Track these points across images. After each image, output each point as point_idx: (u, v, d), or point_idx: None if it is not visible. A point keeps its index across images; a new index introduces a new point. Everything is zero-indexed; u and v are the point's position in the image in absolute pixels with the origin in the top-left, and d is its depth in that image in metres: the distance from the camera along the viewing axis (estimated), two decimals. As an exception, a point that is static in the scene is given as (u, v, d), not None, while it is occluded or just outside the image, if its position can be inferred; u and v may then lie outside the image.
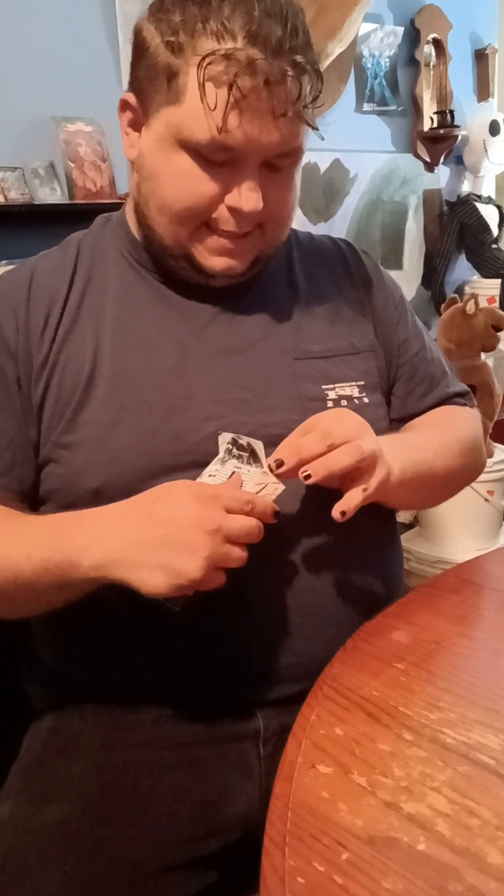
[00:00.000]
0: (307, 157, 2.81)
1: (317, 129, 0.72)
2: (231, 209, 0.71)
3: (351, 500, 0.67)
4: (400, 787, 0.53)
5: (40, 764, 0.74)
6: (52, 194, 2.03)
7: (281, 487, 0.68)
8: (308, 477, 0.66)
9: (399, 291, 0.93)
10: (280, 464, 0.67)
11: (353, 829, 0.50)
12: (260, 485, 0.68)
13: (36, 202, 1.98)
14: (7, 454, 0.75)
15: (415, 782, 0.53)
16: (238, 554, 0.63)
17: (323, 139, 0.76)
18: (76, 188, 2.08)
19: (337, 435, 0.67)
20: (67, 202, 2.06)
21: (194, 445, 0.73)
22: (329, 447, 0.66)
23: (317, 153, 2.73)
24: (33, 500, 0.77)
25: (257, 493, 0.67)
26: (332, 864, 0.47)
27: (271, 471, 0.67)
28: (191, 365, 0.76)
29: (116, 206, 0.85)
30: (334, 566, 0.77)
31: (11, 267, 0.85)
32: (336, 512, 0.67)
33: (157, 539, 0.62)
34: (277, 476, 0.67)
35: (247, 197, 0.70)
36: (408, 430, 0.88)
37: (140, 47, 0.70)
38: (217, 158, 0.68)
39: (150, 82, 0.70)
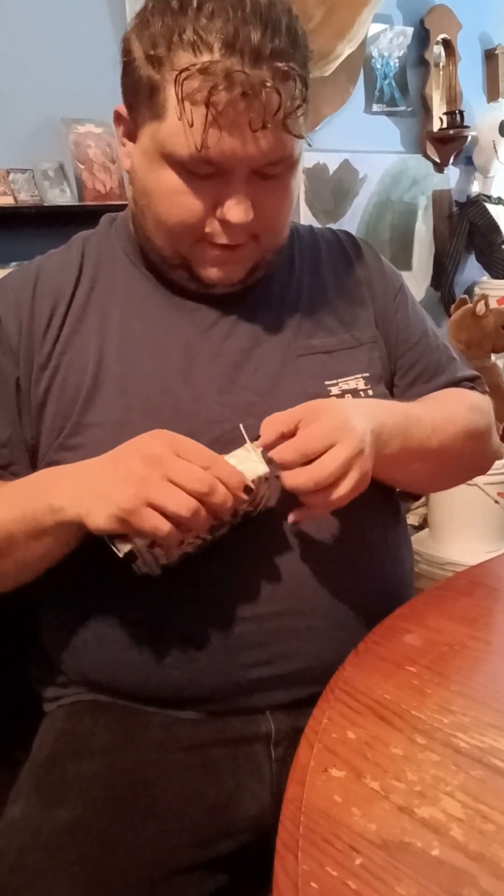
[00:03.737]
0: (316, 158, 2.81)
1: (303, 137, 0.69)
2: (222, 222, 0.70)
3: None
4: (413, 791, 0.53)
5: (51, 765, 0.74)
6: (61, 196, 2.04)
7: (262, 469, 0.65)
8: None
9: (399, 280, 0.92)
10: (257, 437, 0.66)
11: (366, 834, 0.49)
12: (238, 459, 0.66)
13: (46, 204, 1.99)
14: (4, 451, 0.76)
15: (428, 786, 0.53)
16: (180, 499, 0.59)
17: (311, 146, 0.74)
18: (86, 190, 2.08)
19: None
20: (77, 204, 2.06)
21: None
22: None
23: (326, 154, 2.73)
24: None
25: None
26: (346, 868, 0.47)
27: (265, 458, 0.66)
28: (197, 366, 0.76)
29: (126, 208, 0.85)
30: (344, 569, 0.76)
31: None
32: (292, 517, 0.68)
33: (107, 469, 0.63)
34: (264, 454, 0.66)
35: (235, 209, 0.69)
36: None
37: (126, 60, 0.69)
38: (202, 172, 0.68)
39: (135, 96, 0.69)
